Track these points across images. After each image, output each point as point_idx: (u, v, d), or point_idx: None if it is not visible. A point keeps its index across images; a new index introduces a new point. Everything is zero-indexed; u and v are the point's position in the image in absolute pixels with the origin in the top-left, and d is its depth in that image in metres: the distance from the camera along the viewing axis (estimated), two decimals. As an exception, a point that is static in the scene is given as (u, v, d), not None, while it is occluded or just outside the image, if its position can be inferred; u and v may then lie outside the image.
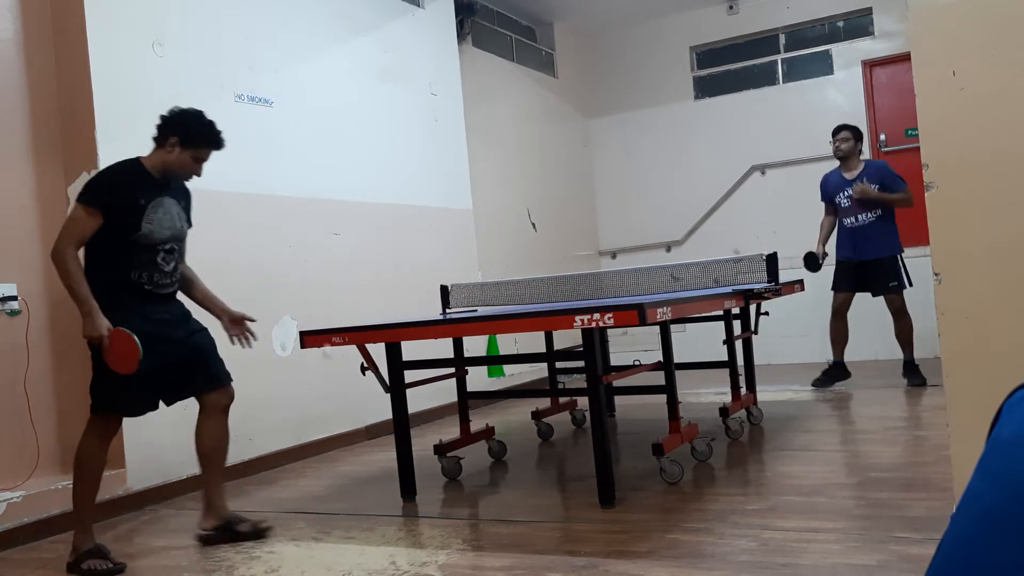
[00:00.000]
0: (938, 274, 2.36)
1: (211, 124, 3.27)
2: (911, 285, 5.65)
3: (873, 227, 5.70)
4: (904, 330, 5.70)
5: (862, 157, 5.95)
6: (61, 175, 4.22)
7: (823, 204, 6.03)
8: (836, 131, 5.92)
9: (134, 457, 4.14)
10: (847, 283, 5.77)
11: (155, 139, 3.26)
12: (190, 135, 3.23)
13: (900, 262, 5.66)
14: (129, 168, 3.23)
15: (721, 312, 4.42)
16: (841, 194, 5.83)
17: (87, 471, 3.21)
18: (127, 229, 3.12)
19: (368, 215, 5.84)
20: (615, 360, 5.45)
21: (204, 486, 3.41)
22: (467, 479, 4.21)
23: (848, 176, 5.81)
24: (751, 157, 8.41)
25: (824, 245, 5.90)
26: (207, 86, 4.74)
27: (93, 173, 3.34)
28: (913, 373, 5.69)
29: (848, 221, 5.79)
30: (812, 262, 5.73)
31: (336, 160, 5.61)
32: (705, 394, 5.99)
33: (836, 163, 5.97)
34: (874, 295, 5.77)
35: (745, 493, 3.51)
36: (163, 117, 3.26)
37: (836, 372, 5.93)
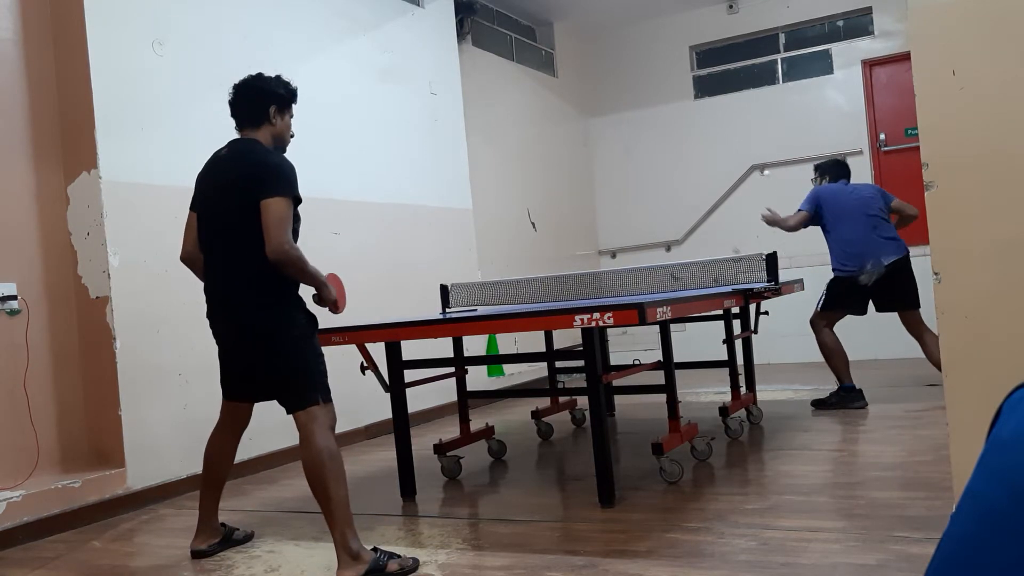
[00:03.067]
0: (938, 273, 2.36)
1: (280, 77, 3.18)
2: (825, 308, 5.29)
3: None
4: (821, 351, 5.33)
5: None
6: (61, 175, 4.22)
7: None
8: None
9: (134, 457, 4.14)
10: None
11: (254, 120, 3.09)
12: (284, 96, 3.13)
13: (828, 285, 5.35)
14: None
15: (721, 311, 4.42)
16: None
17: (342, 468, 2.90)
18: (296, 219, 2.99)
19: (368, 215, 5.84)
20: (615, 360, 5.45)
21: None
22: (467, 478, 4.21)
23: None
24: (751, 156, 8.41)
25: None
26: (207, 85, 4.73)
27: (271, 164, 2.94)
28: (835, 394, 5.27)
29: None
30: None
31: (336, 159, 5.61)
32: (705, 393, 5.99)
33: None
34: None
35: (745, 492, 3.52)
36: (251, 94, 3.10)
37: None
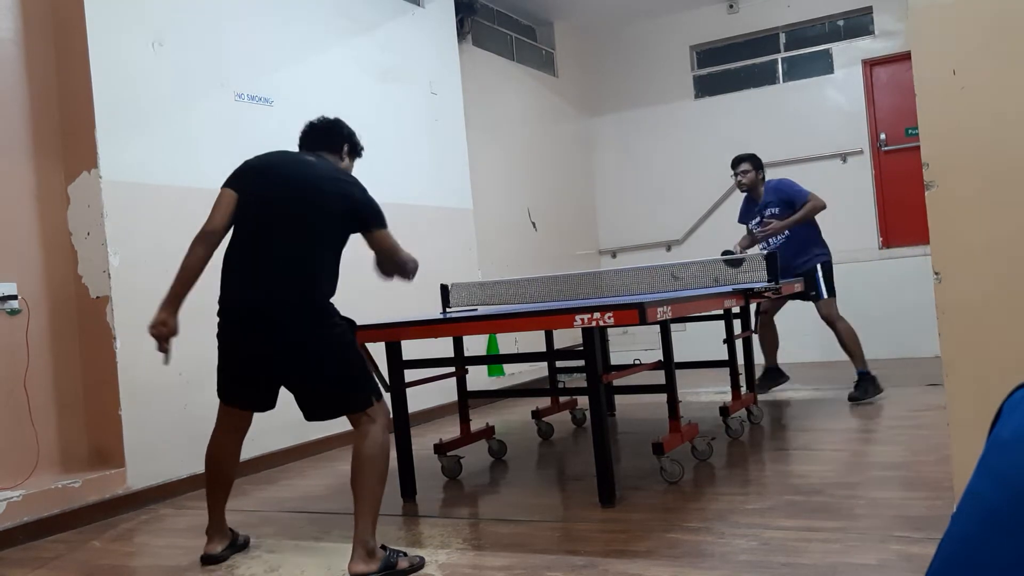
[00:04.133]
0: (938, 273, 2.36)
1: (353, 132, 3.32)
2: (831, 295, 5.39)
3: (788, 246, 5.44)
4: (841, 339, 5.36)
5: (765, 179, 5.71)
6: (61, 175, 4.22)
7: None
8: (735, 163, 5.69)
9: (134, 456, 4.14)
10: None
11: (331, 147, 3.18)
12: (356, 145, 3.27)
13: (818, 272, 5.41)
14: None
15: (721, 311, 4.42)
16: (751, 221, 5.72)
17: (387, 466, 2.94)
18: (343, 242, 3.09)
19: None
20: (615, 359, 5.44)
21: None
22: (467, 478, 4.21)
23: (756, 202, 5.68)
24: (751, 156, 8.40)
25: (743, 249, 5.67)
26: (207, 85, 4.74)
27: (372, 199, 3.06)
28: (861, 386, 5.32)
29: (760, 247, 5.61)
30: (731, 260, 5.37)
31: (336, 159, 5.60)
32: (705, 393, 5.99)
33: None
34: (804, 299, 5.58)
35: (745, 492, 3.51)
36: (332, 126, 3.22)
37: (772, 376, 5.88)
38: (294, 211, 2.94)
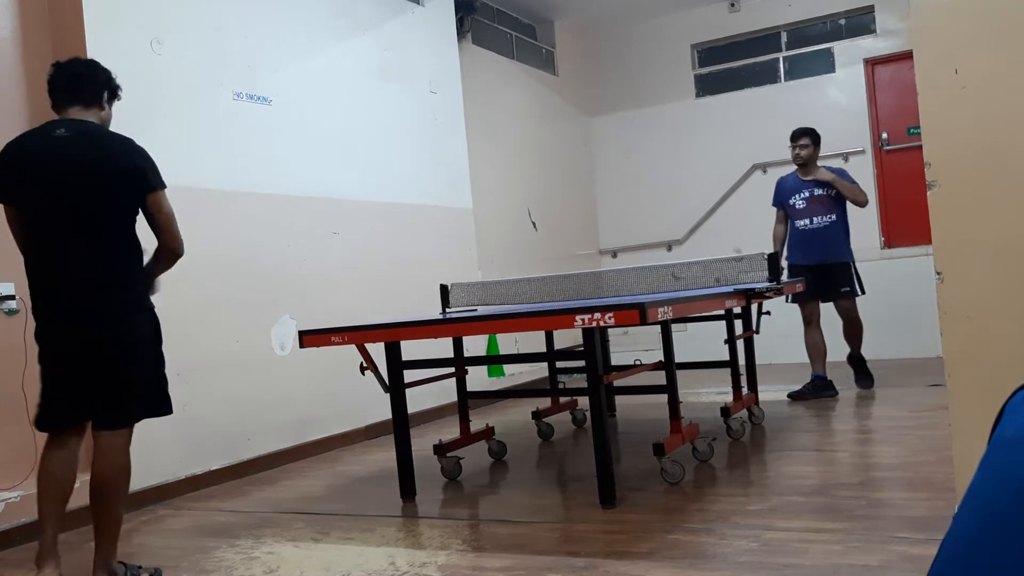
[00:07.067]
0: (940, 273, 2.35)
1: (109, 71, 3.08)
2: (863, 292, 5.59)
3: (826, 231, 5.53)
4: (854, 332, 5.67)
5: (820, 164, 5.76)
6: (60, 174, 4.20)
7: (774, 209, 5.84)
8: (796, 136, 5.75)
9: (133, 457, 4.11)
10: (809, 290, 5.39)
11: (88, 100, 2.95)
12: (116, 88, 3.10)
13: (852, 269, 5.54)
14: None
15: (722, 311, 4.41)
16: (797, 196, 5.64)
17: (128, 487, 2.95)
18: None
19: (368, 214, 5.83)
20: (616, 360, 5.44)
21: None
22: (467, 479, 4.20)
23: (806, 179, 5.67)
24: (752, 155, 8.40)
25: (781, 252, 5.68)
26: (206, 84, 4.73)
27: (145, 153, 2.95)
28: (860, 370, 5.75)
29: (801, 224, 5.61)
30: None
31: (335, 159, 5.60)
32: (706, 394, 5.98)
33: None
34: (823, 300, 5.59)
35: (746, 493, 3.50)
36: (89, 73, 2.97)
37: (819, 385, 5.58)
38: (74, 201, 2.79)
